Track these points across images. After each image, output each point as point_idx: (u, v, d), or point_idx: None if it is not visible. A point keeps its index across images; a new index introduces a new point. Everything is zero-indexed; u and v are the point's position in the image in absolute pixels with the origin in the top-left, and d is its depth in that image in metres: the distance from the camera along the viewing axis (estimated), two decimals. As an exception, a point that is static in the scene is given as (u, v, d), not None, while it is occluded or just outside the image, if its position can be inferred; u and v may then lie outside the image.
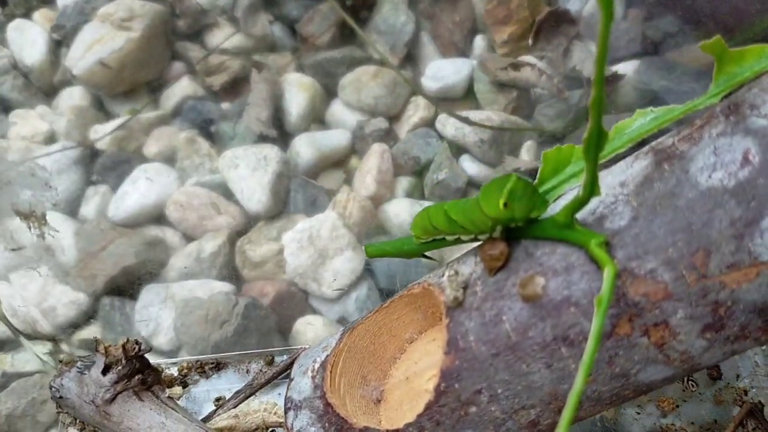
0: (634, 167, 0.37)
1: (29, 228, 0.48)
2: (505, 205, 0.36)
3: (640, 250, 0.34)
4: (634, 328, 0.34)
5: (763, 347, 0.57)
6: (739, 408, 0.54)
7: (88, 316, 0.62)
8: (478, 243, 0.40)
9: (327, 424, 0.44)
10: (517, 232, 0.38)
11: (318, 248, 0.61)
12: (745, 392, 0.55)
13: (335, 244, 0.61)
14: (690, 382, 0.55)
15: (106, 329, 0.62)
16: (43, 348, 0.58)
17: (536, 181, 0.40)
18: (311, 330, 0.62)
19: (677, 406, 0.54)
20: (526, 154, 0.65)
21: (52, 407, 0.55)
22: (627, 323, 0.34)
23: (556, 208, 0.38)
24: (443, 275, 0.41)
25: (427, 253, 0.45)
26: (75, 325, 0.61)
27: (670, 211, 0.33)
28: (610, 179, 0.37)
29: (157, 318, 0.60)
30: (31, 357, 0.58)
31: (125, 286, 0.62)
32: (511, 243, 0.39)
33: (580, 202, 0.34)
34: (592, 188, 0.34)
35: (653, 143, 0.37)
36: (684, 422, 0.54)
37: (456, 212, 0.39)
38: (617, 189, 0.36)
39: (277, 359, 0.59)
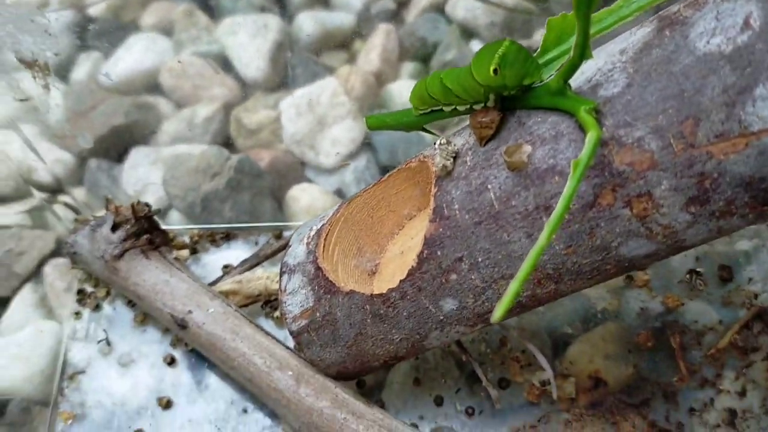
0: (637, 35, 0.35)
1: (34, 78, 0.49)
2: (496, 71, 0.35)
3: (630, 118, 0.33)
4: (617, 199, 0.33)
5: (782, 253, 0.55)
6: (746, 311, 0.53)
7: (74, 177, 0.62)
8: (474, 113, 0.39)
9: (317, 287, 0.45)
10: (512, 101, 0.37)
11: (317, 115, 0.60)
12: (756, 296, 0.54)
13: (335, 112, 0.60)
14: (698, 281, 0.54)
15: (91, 191, 0.62)
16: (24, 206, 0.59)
17: (539, 49, 0.39)
18: (306, 197, 0.62)
19: (683, 304, 0.53)
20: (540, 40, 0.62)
21: (29, 260, 0.57)
22: (610, 193, 0.34)
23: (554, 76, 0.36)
24: (435, 143, 0.40)
25: (427, 127, 0.45)
26: (60, 185, 0.62)
27: (664, 78, 0.32)
28: (612, 47, 0.36)
29: (145, 179, 0.61)
30: (9, 211, 0.59)
31: (114, 148, 0.62)
32: (506, 113, 0.38)
33: (571, 66, 0.33)
34: (583, 50, 0.32)
35: (662, 11, 0.35)
36: (688, 320, 0.53)
37: (451, 80, 0.38)
38: (616, 56, 0.35)
39: (286, 234, 0.61)
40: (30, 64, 0.46)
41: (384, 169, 0.64)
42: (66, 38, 0.61)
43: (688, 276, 0.54)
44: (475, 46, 0.66)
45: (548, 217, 0.35)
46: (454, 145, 0.39)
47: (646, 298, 0.54)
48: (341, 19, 0.64)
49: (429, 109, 0.42)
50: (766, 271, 0.54)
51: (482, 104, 0.38)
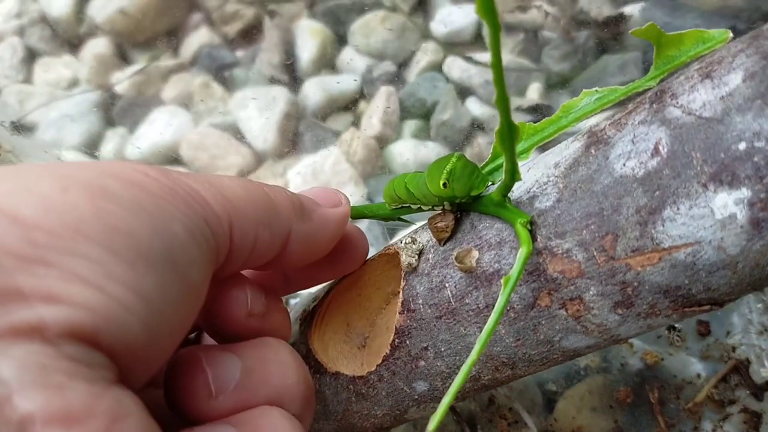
0: (570, 149, 0.38)
1: None
2: (445, 185, 0.39)
3: (559, 230, 0.36)
4: (553, 301, 0.37)
5: (759, 305, 0.57)
6: (724, 364, 0.55)
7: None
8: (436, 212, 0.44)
9: (308, 366, 0.49)
10: (467, 205, 0.41)
11: (321, 182, 0.65)
12: (734, 349, 0.56)
13: (338, 179, 0.66)
14: (676, 337, 0.57)
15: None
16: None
17: (491, 155, 0.43)
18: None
19: (662, 359, 0.56)
20: (533, 95, 0.66)
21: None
22: (547, 296, 0.37)
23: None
24: (402, 241, 0.45)
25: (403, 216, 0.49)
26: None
27: (587, 196, 0.36)
28: (549, 158, 0.40)
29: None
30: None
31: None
32: (462, 215, 0.42)
33: (505, 186, 0.37)
34: (512, 175, 0.36)
35: (592, 125, 0.39)
36: (667, 375, 0.56)
37: (413, 185, 0.43)
38: (551, 170, 0.38)
39: (292, 302, 0.65)
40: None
41: (385, 228, 0.68)
42: (94, 116, 0.67)
43: (667, 332, 0.57)
44: (471, 104, 0.70)
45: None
46: (419, 243, 0.44)
47: (627, 354, 0.57)
48: (346, 82, 0.69)
49: (399, 205, 0.46)
50: (744, 324, 0.57)
51: (441, 206, 0.42)
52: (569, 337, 0.38)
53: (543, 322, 0.38)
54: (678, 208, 0.32)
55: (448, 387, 0.44)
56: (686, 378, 0.56)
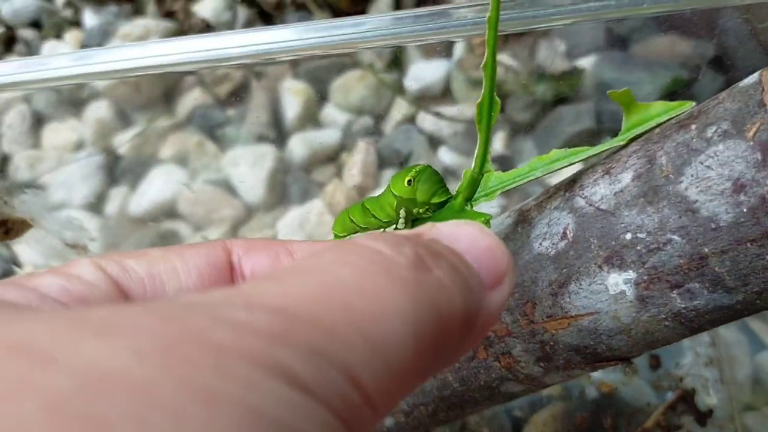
0: (505, 223, 0.46)
1: (77, 254, 0.63)
2: (410, 182, 0.41)
3: (492, 297, 0.43)
4: (489, 354, 0.44)
5: (707, 338, 0.64)
6: (672, 393, 0.62)
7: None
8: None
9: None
10: (423, 221, 0.45)
11: (307, 232, 0.73)
12: (681, 379, 0.62)
13: (321, 229, 0.73)
14: (628, 370, 0.64)
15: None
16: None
17: (455, 192, 0.48)
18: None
19: (616, 389, 0.63)
20: (498, 143, 0.73)
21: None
22: (484, 350, 0.45)
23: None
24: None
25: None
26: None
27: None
28: (491, 229, 0.47)
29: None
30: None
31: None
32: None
33: (472, 180, 0.40)
34: (483, 162, 0.39)
35: (521, 204, 0.46)
36: (620, 403, 0.63)
37: (370, 203, 0.45)
38: (488, 242, 0.45)
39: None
40: (74, 246, 0.60)
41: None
42: (99, 177, 0.75)
43: (621, 364, 0.64)
44: (442, 153, 0.76)
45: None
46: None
47: (585, 384, 0.64)
48: (328, 136, 0.77)
49: (347, 236, 0.51)
50: (693, 356, 0.63)
51: (394, 225, 0.44)
52: (505, 383, 0.46)
53: (482, 371, 0.45)
54: (581, 284, 0.39)
55: (412, 421, 0.51)
56: (638, 406, 0.62)
